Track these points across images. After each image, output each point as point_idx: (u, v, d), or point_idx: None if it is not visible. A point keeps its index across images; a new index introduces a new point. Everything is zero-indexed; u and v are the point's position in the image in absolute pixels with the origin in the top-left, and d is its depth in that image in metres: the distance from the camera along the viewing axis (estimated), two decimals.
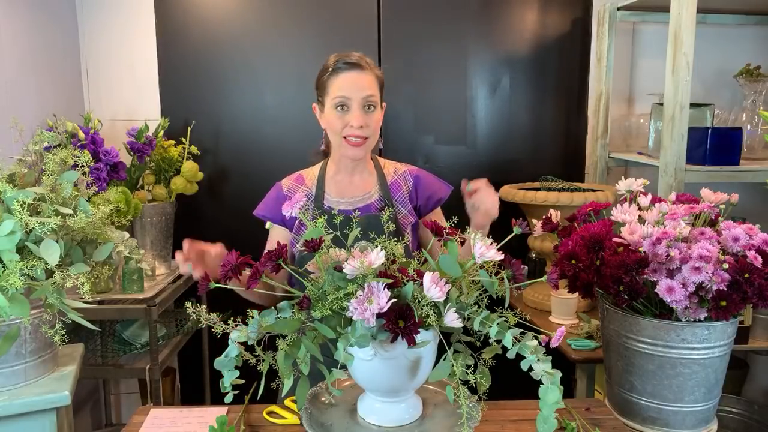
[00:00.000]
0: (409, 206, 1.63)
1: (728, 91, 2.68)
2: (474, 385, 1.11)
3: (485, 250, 1.07)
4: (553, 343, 1.07)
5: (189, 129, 2.41)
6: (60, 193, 1.33)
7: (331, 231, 1.16)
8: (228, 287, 1.14)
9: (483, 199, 1.43)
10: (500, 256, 1.09)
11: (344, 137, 1.52)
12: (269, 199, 1.64)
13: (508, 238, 1.20)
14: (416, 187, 1.65)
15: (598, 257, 1.28)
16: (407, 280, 1.06)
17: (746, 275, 1.17)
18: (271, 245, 1.55)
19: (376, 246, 1.10)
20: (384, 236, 1.14)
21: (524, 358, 1.06)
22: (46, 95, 2.22)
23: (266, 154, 2.59)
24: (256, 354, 1.11)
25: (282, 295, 1.24)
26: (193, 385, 2.68)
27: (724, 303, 1.19)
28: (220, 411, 1.31)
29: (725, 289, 1.18)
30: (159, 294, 2.04)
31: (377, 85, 1.55)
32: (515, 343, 1.05)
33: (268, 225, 1.24)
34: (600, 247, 1.28)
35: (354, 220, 1.26)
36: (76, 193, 1.38)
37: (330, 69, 1.53)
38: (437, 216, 1.68)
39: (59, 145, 1.91)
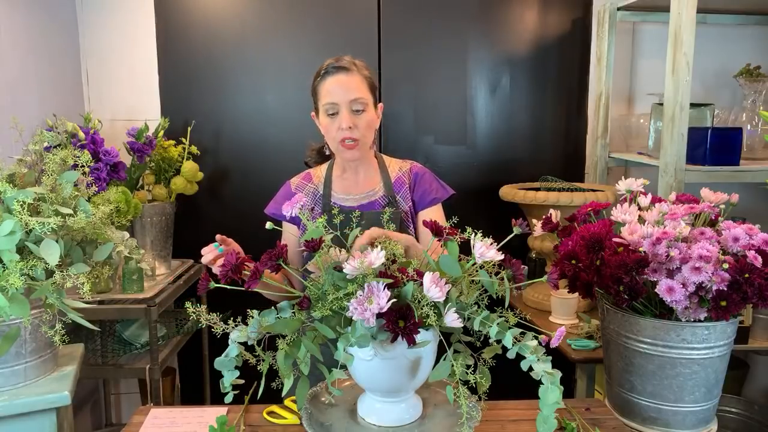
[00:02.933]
0: (411, 202, 1.66)
1: (728, 91, 2.68)
2: (474, 385, 1.11)
3: (485, 250, 1.07)
4: (553, 343, 1.07)
5: (189, 129, 2.41)
6: (60, 193, 1.33)
7: (331, 230, 1.16)
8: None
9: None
10: (500, 256, 1.09)
11: (339, 141, 1.55)
12: (279, 197, 1.69)
13: (508, 238, 1.20)
14: (415, 182, 1.68)
15: (598, 257, 1.28)
16: (407, 280, 1.06)
17: (746, 275, 1.17)
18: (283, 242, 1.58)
19: (381, 243, 1.11)
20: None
21: (524, 358, 1.06)
22: (46, 95, 2.22)
23: (266, 154, 2.59)
24: (256, 354, 1.11)
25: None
26: (193, 385, 2.68)
27: (724, 303, 1.19)
28: (220, 411, 1.31)
29: (725, 289, 1.18)
30: (159, 294, 2.04)
31: (366, 86, 1.57)
32: (515, 343, 1.05)
33: (268, 225, 1.24)
34: (600, 247, 1.28)
35: (353, 219, 1.26)
36: (76, 193, 1.38)
37: (320, 74, 1.56)
38: (434, 214, 1.66)
39: (59, 145, 1.91)
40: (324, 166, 1.71)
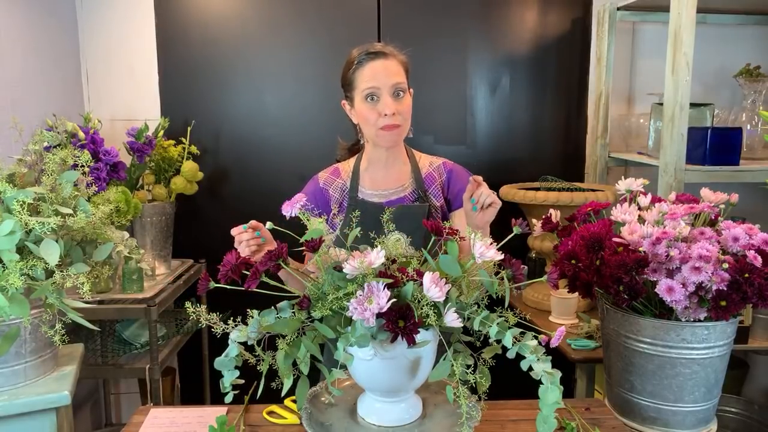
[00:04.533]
0: (442, 199, 1.63)
1: (728, 91, 2.68)
2: (474, 385, 1.11)
3: (485, 250, 1.07)
4: (553, 343, 1.07)
5: (189, 129, 2.41)
6: (60, 193, 1.33)
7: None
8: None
9: (484, 194, 1.39)
10: (500, 256, 1.09)
11: (380, 127, 1.52)
12: (307, 193, 1.63)
13: (508, 238, 1.20)
14: (449, 180, 1.65)
15: (598, 257, 1.28)
16: (407, 280, 1.06)
17: (746, 275, 1.17)
18: None
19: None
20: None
21: (524, 358, 1.06)
22: (46, 95, 2.22)
23: (266, 153, 2.59)
24: (256, 354, 1.11)
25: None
26: (193, 385, 2.68)
27: (723, 303, 1.19)
28: (220, 411, 1.31)
29: (725, 289, 1.18)
30: (159, 294, 2.04)
31: (403, 70, 1.55)
32: (515, 343, 1.05)
33: (268, 225, 1.24)
34: (600, 247, 1.28)
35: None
36: (76, 193, 1.38)
37: (354, 62, 1.53)
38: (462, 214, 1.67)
39: (59, 145, 1.91)
40: (352, 160, 1.67)
